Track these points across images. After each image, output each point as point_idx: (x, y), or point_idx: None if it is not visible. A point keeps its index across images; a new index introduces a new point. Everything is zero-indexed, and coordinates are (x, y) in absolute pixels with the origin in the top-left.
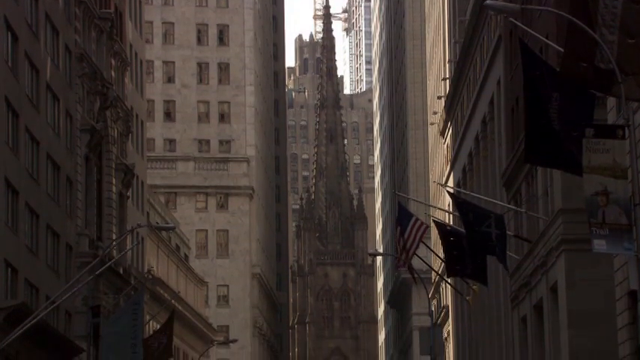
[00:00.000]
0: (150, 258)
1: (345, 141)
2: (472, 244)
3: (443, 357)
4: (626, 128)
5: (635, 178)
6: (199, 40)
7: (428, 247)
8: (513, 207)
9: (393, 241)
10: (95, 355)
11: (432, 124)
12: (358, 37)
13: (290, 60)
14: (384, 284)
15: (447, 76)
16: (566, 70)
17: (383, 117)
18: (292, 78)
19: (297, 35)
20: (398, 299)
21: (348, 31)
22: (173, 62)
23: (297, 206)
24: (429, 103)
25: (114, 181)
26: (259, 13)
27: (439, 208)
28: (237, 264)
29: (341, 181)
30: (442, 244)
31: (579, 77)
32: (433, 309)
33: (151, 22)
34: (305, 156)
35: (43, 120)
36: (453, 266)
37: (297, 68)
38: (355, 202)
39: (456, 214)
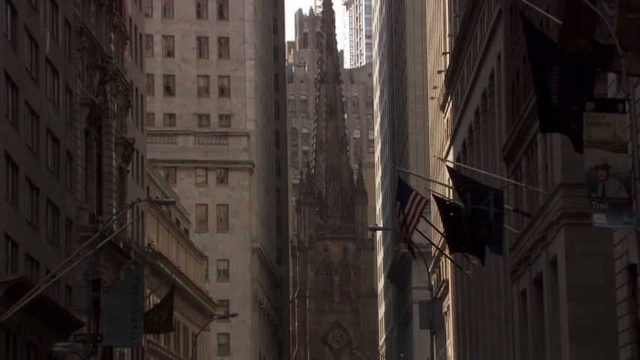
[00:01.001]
0: (150, 232)
1: (345, 115)
2: (470, 223)
3: (443, 331)
4: (627, 102)
5: (635, 152)
6: (199, 14)
7: (428, 221)
8: (513, 181)
9: (392, 215)
10: (95, 328)
11: (432, 98)
12: (358, 11)
13: (290, 34)
14: (384, 259)
15: (448, 51)
16: (565, 45)
17: (383, 91)
18: (292, 52)
19: (296, 9)
20: (398, 273)
21: (348, 5)
22: (173, 36)
23: (297, 181)
24: (429, 77)
25: (114, 155)
26: None
27: (439, 183)
28: (237, 238)
29: (341, 155)
30: (442, 219)
31: (578, 52)
32: (433, 283)
33: None
34: (305, 130)
35: (43, 94)
36: (454, 241)
37: (297, 42)
38: (355, 177)
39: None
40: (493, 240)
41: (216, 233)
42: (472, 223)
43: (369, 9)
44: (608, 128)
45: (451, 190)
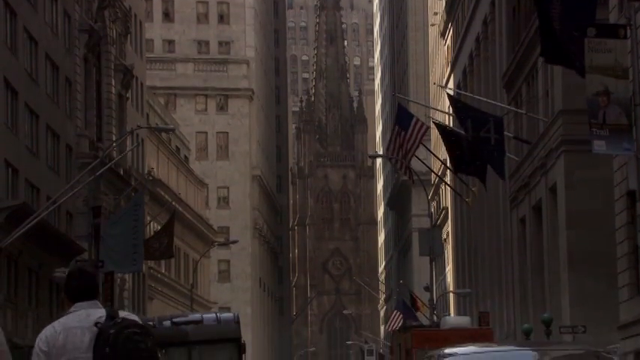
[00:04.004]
0: (150, 159)
1: (345, 42)
2: (471, 149)
3: (442, 258)
4: (628, 28)
5: (636, 77)
6: None
7: (427, 148)
8: (513, 108)
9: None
10: (96, 255)
11: (432, 25)
12: None
13: None
14: (384, 186)
15: None
16: None
17: (383, 18)
18: None
19: None
20: (397, 201)
21: None
22: None
23: (297, 108)
24: (429, 3)
25: (113, 82)
26: None
27: (439, 110)
28: (238, 166)
29: (341, 83)
30: (444, 143)
31: None
32: (432, 210)
33: None
34: (305, 58)
35: (42, 19)
36: (458, 164)
37: None
38: (355, 104)
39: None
40: (494, 165)
41: (216, 161)
42: (473, 149)
43: None
44: (610, 54)
45: (451, 117)
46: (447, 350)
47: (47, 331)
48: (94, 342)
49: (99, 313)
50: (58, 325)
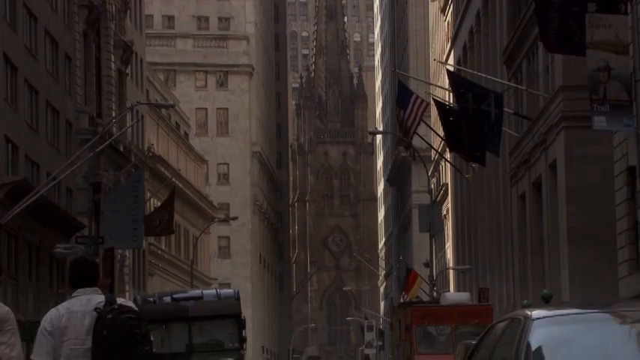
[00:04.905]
0: (150, 136)
1: (345, 18)
2: (470, 125)
3: (442, 234)
4: (629, 3)
5: (637, 53)
6: None
7: (428, 125)
8: (514, 84)
9: (392, 119)
10: (96, 231)
11: (432, 0)
12: None
13: None
14: (384, 162)
15: None
16: None
17: None
18: None
19: None
20: (397, 177)
21: None
22: None
23: (297, 85)
24: None
25: (112, 58)
26: None
27: (439, 87)
28: (237, 142)
29: (341, 59)
30: (441, 123)
31: None
32: (432, 187)
33: None
34: (305, 34)
35: None
36: (454, 143)
37: None
38: (355, 81)
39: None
40: (492, 141)
41: (216, 137)
42: (471, 125)
43: None
44: (610, 30)
45: (451, 93)
46: (535, 312)
47: (52, 314)
48: (94, 325)
49: (99, 299)
50: (62, 308)
